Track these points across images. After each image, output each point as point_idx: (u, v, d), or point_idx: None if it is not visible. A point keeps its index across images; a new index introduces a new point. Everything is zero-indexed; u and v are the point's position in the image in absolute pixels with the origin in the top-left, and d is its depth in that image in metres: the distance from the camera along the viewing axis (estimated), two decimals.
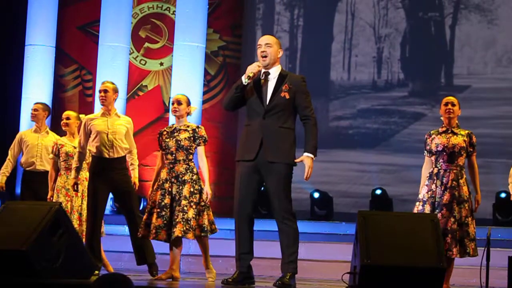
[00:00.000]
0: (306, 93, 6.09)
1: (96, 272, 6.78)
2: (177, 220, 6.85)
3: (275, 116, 6.01)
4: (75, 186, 7.46)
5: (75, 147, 8.05)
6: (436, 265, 5.38)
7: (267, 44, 6.13)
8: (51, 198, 7.97)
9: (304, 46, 12.53)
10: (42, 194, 8.28)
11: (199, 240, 7.06)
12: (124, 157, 7.43)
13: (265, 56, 6.09)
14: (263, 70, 6.15)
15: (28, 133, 8.70)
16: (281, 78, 6.09)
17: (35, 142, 8.56)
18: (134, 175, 7.56)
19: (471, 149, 6.77)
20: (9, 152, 8.67)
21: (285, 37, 12.56)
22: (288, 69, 12.26)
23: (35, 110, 8.63)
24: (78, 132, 8.22)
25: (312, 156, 5.99)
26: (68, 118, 8.18)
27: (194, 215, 6.87)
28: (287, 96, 6.03)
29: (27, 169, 8.57)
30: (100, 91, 7.45)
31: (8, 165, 8.63)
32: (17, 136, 8.71)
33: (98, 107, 9.51)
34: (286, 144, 6.00)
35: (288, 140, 6.01)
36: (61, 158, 8.05)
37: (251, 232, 6.09)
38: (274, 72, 6.13)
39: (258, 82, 6.12)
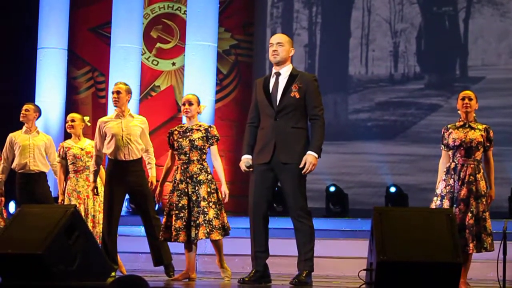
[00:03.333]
0: (317, 92, 6.06)
1: (113, 274, 6.78)
2: (198, 222, 6.83)
3: (287, 117, 5.99)
4: (95, 190, 7.43)
5: (82, 149, 8.02)
6: (452, 260, 5.34)
7: (279, 43, 6.11)
8: (63, 202, 7.94)
9: (322, 43, 12.69)
10: (38, 195, 8.20)
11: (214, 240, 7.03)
12: (140, 158, 7.37)
13: (276, 55, 6.08)
14: (274, 71, 6.14)
15: (19, 134, 8.41)
16: (292, 78, 6.07)
17: (27, 142, 8.33)
18: (152, 174, 7.45)
19: (488, 144, 6.68)
20: (1, 156, 8.42)
21: (304, 34, 12.73)
22: (307, 65, 12.45)
23: (26, 110, 8.39)
24: (83, 134, 8.20)
25: (315, 154, 5.96)
26: (73, 121, 8.15)
27: (215, 215, 6.87)
28: (298, 96, 6.01)
29: (20, 171, 8.32)
30: (113, 93, 7.39)
31: (3, 170, 8.36)
32: (8, 139, 8.40)
33: (111, 109, 9.49)
34: (300, 145, 5.98)
35: (301, 141, 5.99)
36: (69, 161, 8.01)
37: (267, 231, 6.08)
38: (285, 72, 6.11)
39: (269, 84, 6.11)
